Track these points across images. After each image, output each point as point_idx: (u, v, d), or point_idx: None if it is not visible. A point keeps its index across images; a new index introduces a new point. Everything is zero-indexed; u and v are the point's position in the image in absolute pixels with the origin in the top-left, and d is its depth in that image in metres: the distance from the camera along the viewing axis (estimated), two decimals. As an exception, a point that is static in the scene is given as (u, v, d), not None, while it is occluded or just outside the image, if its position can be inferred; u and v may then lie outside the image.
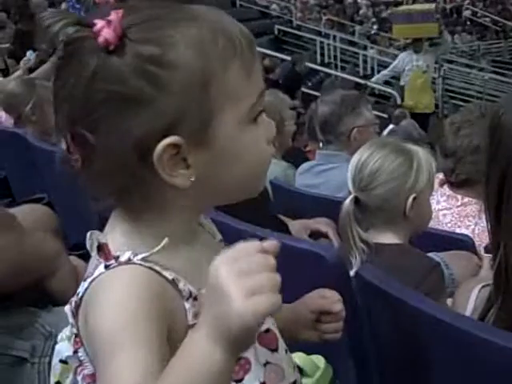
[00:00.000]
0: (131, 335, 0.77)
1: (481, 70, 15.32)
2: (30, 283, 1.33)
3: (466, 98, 12.55)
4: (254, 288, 0.70)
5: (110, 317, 0.78)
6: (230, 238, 1.00)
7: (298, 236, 2.26)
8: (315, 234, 2.35)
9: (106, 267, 0.82)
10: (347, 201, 1.83)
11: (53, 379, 0.92)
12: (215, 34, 0.83)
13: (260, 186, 0.93)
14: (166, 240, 0.84)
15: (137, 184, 0.84)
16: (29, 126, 3.31)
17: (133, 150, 0.81)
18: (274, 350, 0.94)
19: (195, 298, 0.85)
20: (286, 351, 0.97)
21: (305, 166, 3.36)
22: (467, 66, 15.83)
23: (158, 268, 0.83)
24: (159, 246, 0.83)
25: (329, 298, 1.04)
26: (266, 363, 0.92)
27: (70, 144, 0.84)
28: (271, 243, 0.75)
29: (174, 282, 0.83)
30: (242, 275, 0.71)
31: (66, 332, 0.90)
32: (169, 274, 0.83)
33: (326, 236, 2.34)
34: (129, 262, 0.82)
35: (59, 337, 0.92)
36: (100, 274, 0.82)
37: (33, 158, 2.84)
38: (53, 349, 1.21)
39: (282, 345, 0.96)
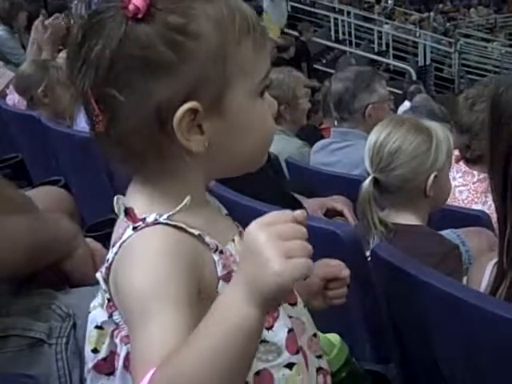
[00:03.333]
0: (162, 298, 0.80)
1: (497, 43, 15.14)
2: (46, 265, 1.34)
3: (483, 73, 12.42)
4: (291, 251, 0.75)
5: (141, 278, 0.82)
6: (245, 216, 1.01)
7: (313, 214, 2.26)
8: (331, 212, 2.35)
9: (134, 229, 0.86)
10: (366, 182, 1.81)
11: (88, 347, 0.94)
12: (232, 11, 0.89)
13: (263, 159, 0.98)
14: (188, 198, 0.89)
15: (155, 148, 0.88)
16: (41, 108, 3.31)
17: (154, 113, 0.86)
18: (294, 304, 0.99)
19: (221, 252, 0.90)
20: (305, 306, 1.02)
21: (319, 143, 3.36)
22: (484, 39, 15.66)
23: (183, 225, 0.87)
24: (183, 204, 0.88)
25: (336, 266, 1.09)
26: (289, 316, 0.96)
27: (94, 107, 0.87)
28: (301, 213, 0.79)
29: (200, 237, 0.88)
30: (279, 239, 0.75)
31: (98, 300, 0.93)
32: (194, 231, 0.88)
33: (341, 214, 2.34)
34: (155, 222, 0.86)
35: (91, 305, 0.95)
36: (129, 237, 0.86)
37: (48, 140, 2.85)
38: (70, 330, 1.23)
39: (300, 299, 1.01)
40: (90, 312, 0.95)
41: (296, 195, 2.43)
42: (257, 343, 0.78)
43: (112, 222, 1.82)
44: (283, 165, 3.01)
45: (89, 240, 1.46)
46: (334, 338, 1.11)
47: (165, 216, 0.87)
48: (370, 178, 1.82)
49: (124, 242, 0.86)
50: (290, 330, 0.93)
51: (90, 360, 0.93)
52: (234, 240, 0.95)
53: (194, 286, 0.84)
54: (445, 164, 1.83)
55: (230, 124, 0.90)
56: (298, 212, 0.79)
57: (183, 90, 0.86)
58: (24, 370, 1.20)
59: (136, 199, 0.92)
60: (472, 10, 18.27)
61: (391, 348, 1.40)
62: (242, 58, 0.90)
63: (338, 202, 2.37)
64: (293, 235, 0.76)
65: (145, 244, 0.85)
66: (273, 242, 0.75)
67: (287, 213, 0.79)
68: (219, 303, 0.77)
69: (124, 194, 0.94)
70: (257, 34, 0.91)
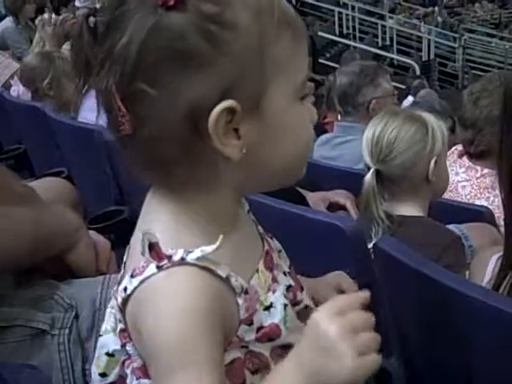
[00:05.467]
0: (189, 352, 0.77)
1: (501, 39, 15.10)
2: (49, 257, 1.34)
3: (487, 68, 12.39)
4: (364, 347, 0.73)
5: (168, 330, 0.78)
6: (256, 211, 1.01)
7: (316, 208, 2.25)
8: (333, 206, 2.35)
9: (159, 268, 0.80)
10: (368, 175, 1.83)
11: (96, 370, 0.90)
12: (272, 3, 0.81)
13: (303, 170, 0.90)
14: (221, 237, 0.82)
15: (186, 153, 0.80)
16: (46, 100, 3.31)
17: (187, 112, 0.78)
18: None
19: (246, 292, 0.84)
20: None
21: (323, 138, 3.36)
22: (488, 35, 15.62)
23: (212, 267, 0.81)
24: (216, 245, 0.81)
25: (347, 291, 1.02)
26: None
27: (120, 106, 0.79)
28: (365, 295, 0.78)
29: (227, 279, 0.82)
30: (350, 332, 0.73)
31: (110, 323, 0.89)
32: (222, 272, 0.82)
33: (344, 208, 2.34)
34: (182, 262, 0.80)
35: (103, 328, 0.90)
36: (152, 275, 0.80)
37: (51, 131, 2.85)
38: (72, 321, 1.23)
39: None
40: (101, 335, 0.91)
41: (299, 189, 2.43)
42: None
43: (114, 214, 1.83)
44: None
45: (91, 232, 1.45)
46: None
47: (193, 256, 0.80)
48: (371, 170, 1.83)
49: (147, 278, 0.80)
50: None
51: (97, 381, 0.91)
52: (258, 270, 0.88)
53: (220, 336, 0.80)
54: (442, 151, 1.88)
55: (268, 128, 0.82)
56: (363, 295, 0.78)
57: (219, 86, 0.78)
58: (26, 361, 1.20)
59: (160, 224, 0.84)
60: (477, 5, 18.20)
61: (393, 342, 1.40)
62: (282, 55, 0.82)
63: (341, 196, 2.37)
64: (364, 326, 0.75)
65: (172, 291, 0.79)
66: (346, 337, 0.73)
67: (354, 297, 0.78)
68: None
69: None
70: (297, 31, 0.84)
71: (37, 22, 5.15)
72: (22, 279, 1.34)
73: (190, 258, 0.80)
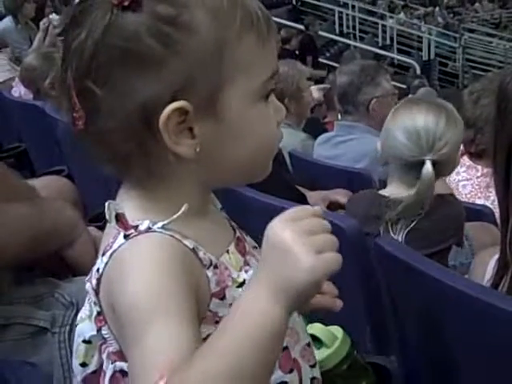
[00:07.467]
0: (164, 310, 0.75)
1: (502, 38, 15.10)
2: (49, 253, 1.34)
3: (487, 68, 12.39)
4: (321, 246, 0.72)
5: (140, 290, 0.76)
6: (249, 208, 1.00)
7: (316, 207, 2.25)
8: (333, 205, 2.35)
9: (126, 237, 0.80)
10: (428, 168, 1.77)
11: (76, 361, 0.89)
12: (234, 3, 0.81)
13: (265, 171, 0.90)
14: (185, 205, 0.82)
15: (139, 150, 0.81)
16: (47, 100, 3.30)
17: (138, 111, 0.79)
18: None
19: (215, 266, 0.84)
20: (298, 314, 0.96)
21: (323, 137, 3.36)
22: (488, 34, 15.61)
23: (178, 236, 0.81)
24: (180, 212, 0.81)
25: (326, 294, 0.97)
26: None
27: (75, 101, 0.81)
28: (318, 208, 0.77)
29: (194, 251, 0.82)
30: (306, 234, 0.72)
31: (85, 311, 0.87)
32: (189, 243, 0.82)
33: (344, 207, 2.34)
34: (149, 230, 0.80)
35: (78, 317, 0.89)
36: (120, 246, 0.80)
37: (52, 130, 2.85)
38: (73, 318, 1.23)
39: None
40: (77, 324, 0.89)
41: (299, 188, 2.43)
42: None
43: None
44: (287, 157, 3.01)
45: (91, 228, 1.46)
46: (336, 330, 1.11)
47: (159, 224, 0.80)
48: (428, 163, 1.78)
49: (115, 251, 0.80)
50: (285, 348, 0.88)
51: (79, 373, 0.89)
52: (228, 251, 0.89)
53: (193, 296, 0.79)
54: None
55: (225, 128, 0.82)
56: (316, 208, 0.77)
57: (170, 87, 0.79)
58: (26, 358, 1.20)
59: (127, 205, 0.84)
60: (477, 4, 18.19)
61: (393, 340, 1.40)
62: (242, 56, 0.81)
63: (341, 195, 2.37)
64: (319, 229, 0.73)
65: (140, 253, 0.79)
66: (301, 238, 0.71)
67: (307, 208, 0.76)
68: (241, 304, 0.73)
69: None
70: (261, 30, 0.83)
71: (41, 23, 5.20)
72: (22, 277, 1.34)
73: (157, 227, 0.81)
